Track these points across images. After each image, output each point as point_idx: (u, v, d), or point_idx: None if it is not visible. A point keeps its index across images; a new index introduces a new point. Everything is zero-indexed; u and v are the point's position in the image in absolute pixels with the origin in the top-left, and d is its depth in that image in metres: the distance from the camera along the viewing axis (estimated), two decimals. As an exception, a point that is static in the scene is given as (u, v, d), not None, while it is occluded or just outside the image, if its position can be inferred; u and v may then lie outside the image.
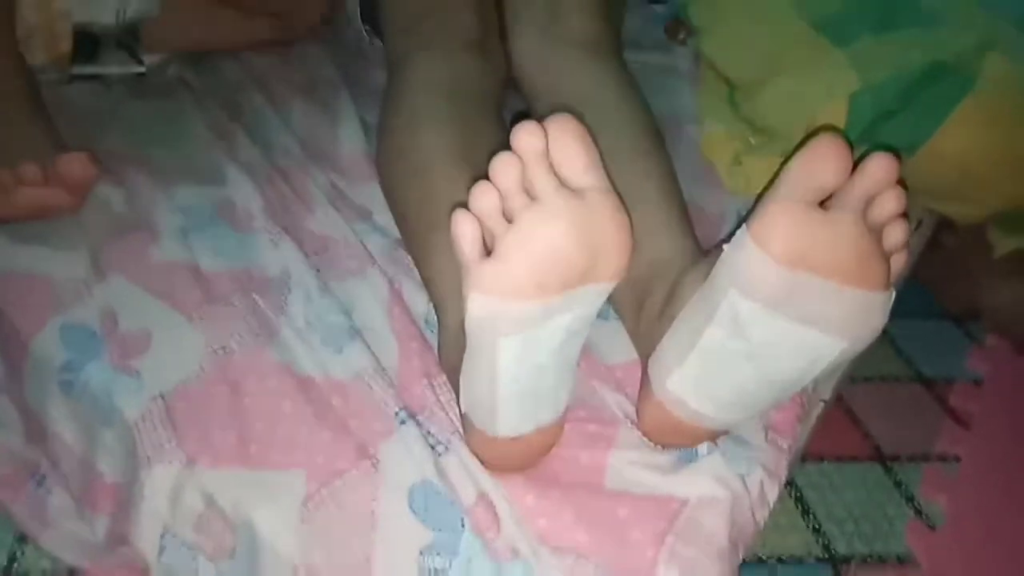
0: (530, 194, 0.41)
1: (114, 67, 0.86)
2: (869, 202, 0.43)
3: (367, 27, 0.94)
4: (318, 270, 0.66)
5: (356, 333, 0.60)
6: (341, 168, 0.79)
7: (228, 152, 0.78)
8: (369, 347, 0.59)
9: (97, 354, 0.59)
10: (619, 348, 0.60)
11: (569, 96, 0.66)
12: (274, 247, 0.68)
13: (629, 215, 0.43)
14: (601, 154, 0.43)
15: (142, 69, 0.88)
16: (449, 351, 0.54)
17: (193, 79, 0.90)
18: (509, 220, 0.41)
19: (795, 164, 0.43)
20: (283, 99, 0.87)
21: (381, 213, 0.73)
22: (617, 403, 0.57)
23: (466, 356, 0.46)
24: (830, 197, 0.43)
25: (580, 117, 0.42)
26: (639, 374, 0.56)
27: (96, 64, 0.86)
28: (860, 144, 0.67)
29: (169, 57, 0.91)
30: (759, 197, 0.45)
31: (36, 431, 0.63)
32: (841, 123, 0.68)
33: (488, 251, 0.41)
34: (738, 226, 0.45)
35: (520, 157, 0.40)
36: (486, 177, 0.41)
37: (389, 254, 0.68)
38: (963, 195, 0.73)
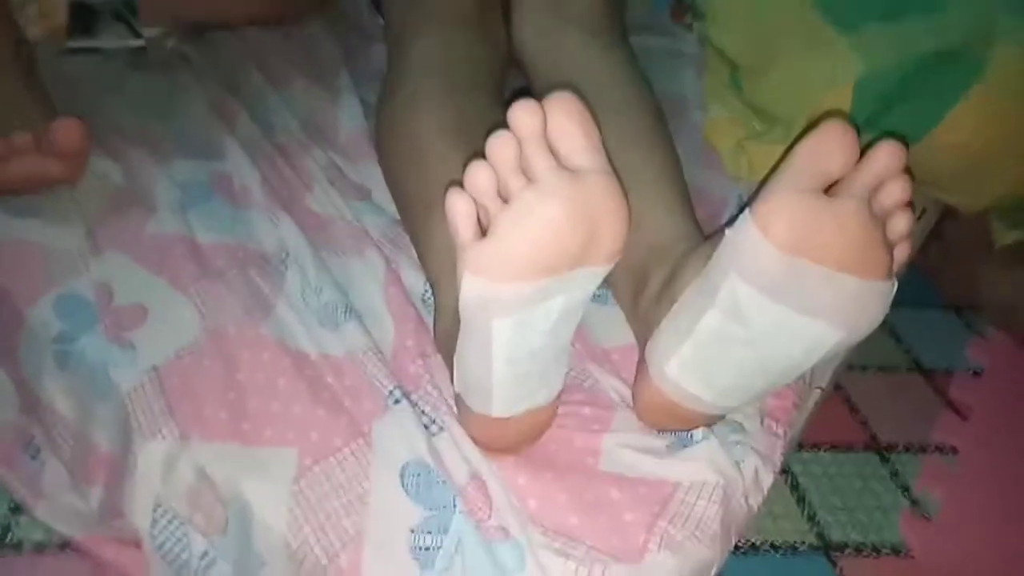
0: (527, 174, 0.40)
1: (111, 41, 0.85)
2: (875, 190, 0.42)
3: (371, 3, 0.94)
4: (315, 248, 0.65)
5: (352, 311, 0.60)
6: (340, 147, 0.78)
7: (227, 128, 0.77)
8: (365, 325, 0.59)
9: (92, 326, 0.59)
10: (616, 332, 0.60)
11: (571, 75, 0.65)
12: (272, 224, 0.67)
13: (627, 198, 0.42)
14: (601, 134, 0.42)
15: (141, 43, 0.87)
16: (444, 330, 0.54)
17: (192, 54, 0.89)
18: (505, 200, 0.40)
19: (802, 149, 0.42)
20: (283, 77, 0.86)
21: (380, 192, 0.72)
22: (613, 387, 0.56)
23: (460, 336, 0.45)
24: (835, 183, 0.43)
25: (581, 96, 0.41)
26: (636, 358, 0.56)
27: (93, 38, 0.85)
28: (864, 132, 0.66)
29: (168, 31, 0.89)
30: (763, 181, 0.45)
31: (30, 402, 0.63)
32: (845, 110, 0.67)
33: (483, 231, 0.41)
34: (741, 210, 0.44)
35: (517, 136, 0.39)
36: (483, 156, 0.40)
37: (387, 233, 0.68)
38: (967, 184, 0.72)
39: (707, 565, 0.50)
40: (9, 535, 0.63)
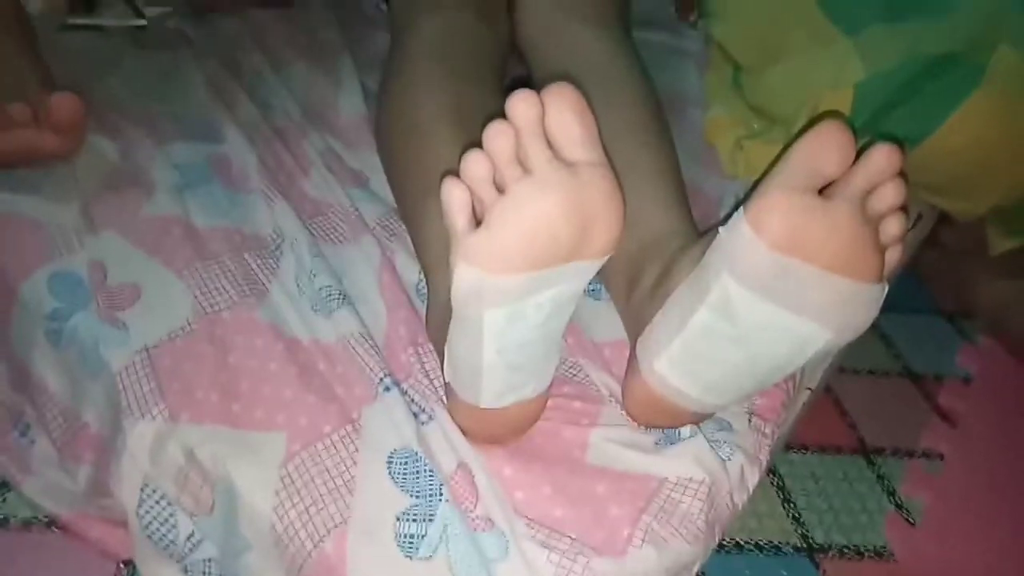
0: (523, 165, 0.40)
1: (113, 19, 0.85)
2: (869, 192, 0.42)
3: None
4: (311, 233, 0.65)
5: (346, 298, 0.60)
6: (340, 133, 0.78)
7: (226, 111, 0.77)
8: (358, 313, 0.59)
9: (85, 304, 0.59)
10: (608, 326, 0.60)
11: (571, 66, 0.65)
12: (268, 208, 0.67)
13: (623, 193, 0.42)
14: (599, 127, 0.42)
15: (143, 22, 0.86)
16: (436, 319, 0.54)
17: (194, 34, 0.88)
18: (500, 190, 0.40)
19: (797, 149, 0.42)
20: (284, 60, 0.86)
21: (377, 180, 0.72)
22: (603, 381, 0.57)
23: (451, 326, 0.45)
24: (830, 184, 0.43)
25: (580, 87, 0.41)
26: (627, 353, 0.56)
27: (94, 15, 0.85)
28: (864, 134, 0.66)
29: (170, 10, 0.89)
30: (759, 180, 0.45)
31: (21, 379, 0.63)
32: (846, 112, 0.67)
33: (478, 221, 0.41)
34: (735, 209, 0.44)
35: (515, 126, 0.39)
36: (480, 144, 0.40)
37: (383, 221, 0.68)
38: (965, 189, 0.72)
39: (690, 561, 0.50)
40: (-4, 511, 0.63)
